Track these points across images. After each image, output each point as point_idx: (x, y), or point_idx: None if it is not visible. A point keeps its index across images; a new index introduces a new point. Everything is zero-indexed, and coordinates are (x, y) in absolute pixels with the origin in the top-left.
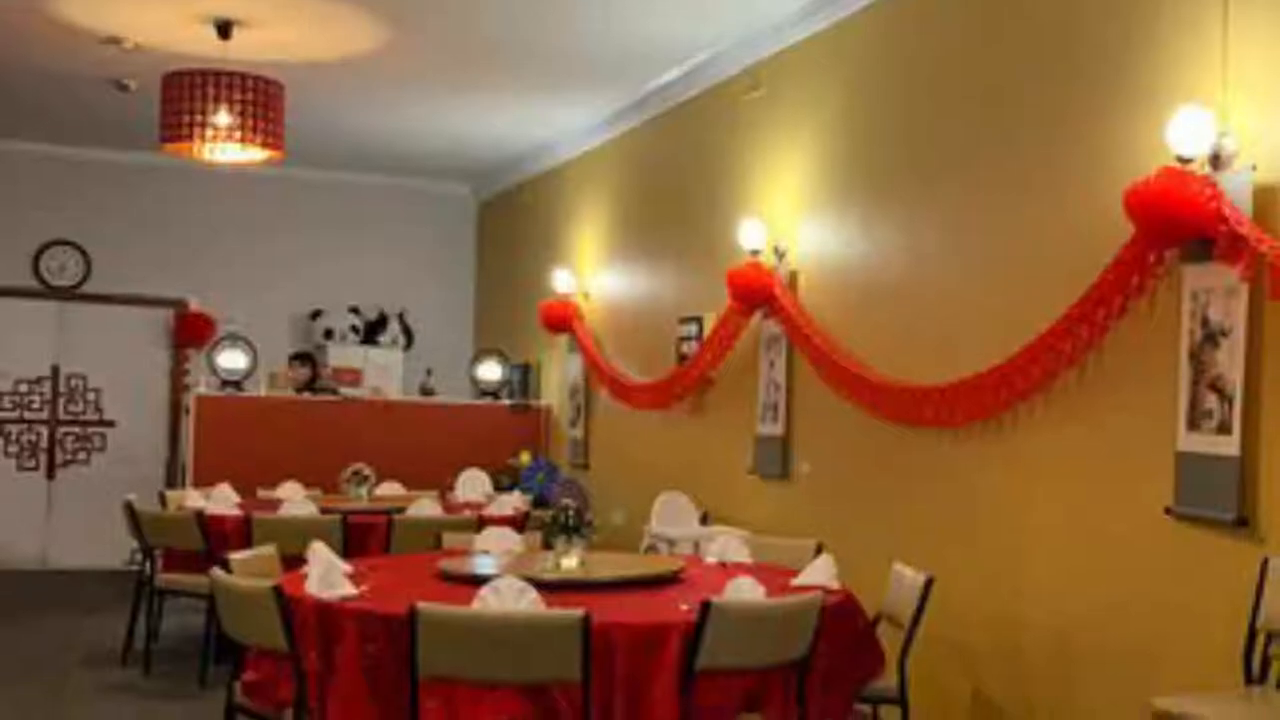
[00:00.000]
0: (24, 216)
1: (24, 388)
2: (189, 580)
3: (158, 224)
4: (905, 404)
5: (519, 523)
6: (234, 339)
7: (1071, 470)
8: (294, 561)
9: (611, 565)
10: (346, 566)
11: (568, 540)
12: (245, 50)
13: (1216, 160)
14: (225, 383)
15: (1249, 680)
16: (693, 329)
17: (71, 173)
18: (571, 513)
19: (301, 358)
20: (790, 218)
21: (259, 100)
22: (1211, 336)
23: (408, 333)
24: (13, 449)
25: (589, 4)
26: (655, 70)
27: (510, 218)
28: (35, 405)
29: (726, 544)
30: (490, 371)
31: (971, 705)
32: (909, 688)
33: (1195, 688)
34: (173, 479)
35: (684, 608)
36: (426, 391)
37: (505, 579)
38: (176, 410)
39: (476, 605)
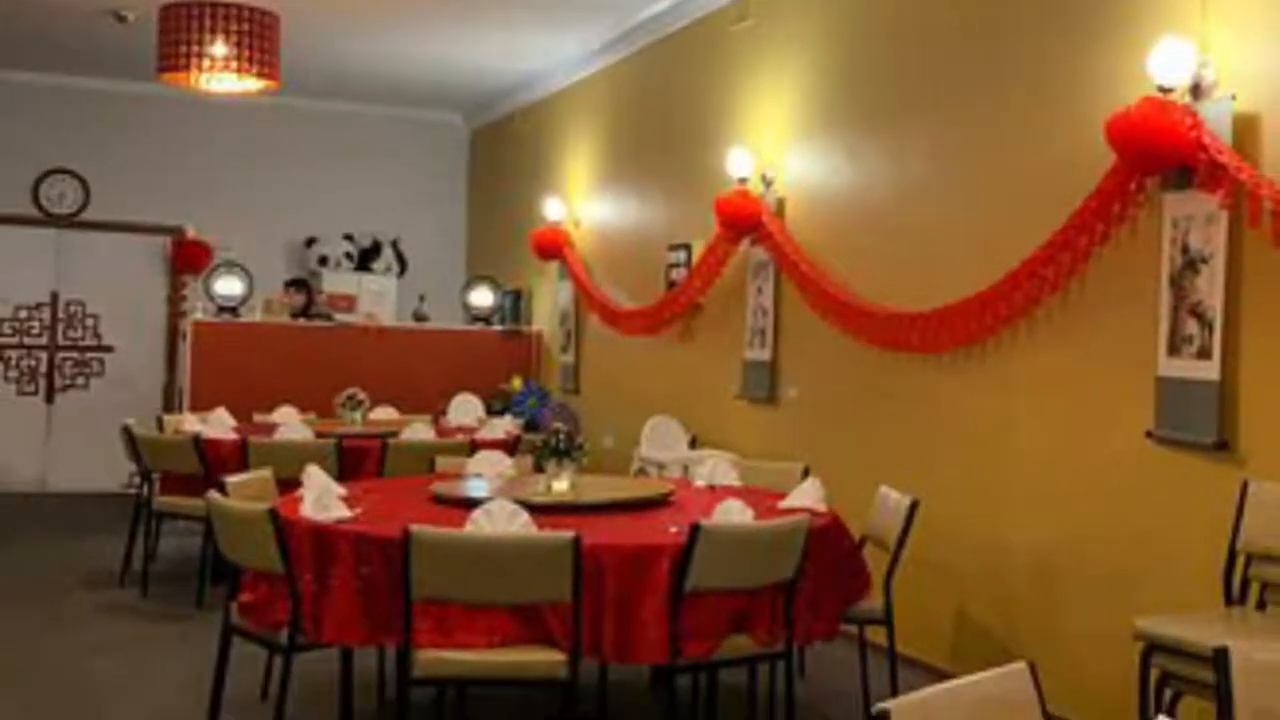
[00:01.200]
0: (23, 145)
1: (24, 314)
2: (186, 503)
3: (155, 153)
4: (891, 329)
5: (511, 446)
6: (230, 266)
7: (1054, 395)
8: (289, 485)
9: (602, 488)
10: (341, 489)
11: (559, 463)
12: None
13: (1196, 90)
14: (222, 309)
15: (1229, 601)
16: (681, 256)
17: (70, 102)
18: (562, 436)
19: (297, 284)
20: (778, 146)
21: (255, 31)
22: (1192, 263)
23: (401, 260)
24: (12, 374)
25: None
26: (645, 0)
27: (502, 147)
28: (35, 331)
29: (715, 467)
30: (482, 298)
31: (956, 625)
32: (894, 609)
33: (1176, 608)
34: (170, 403)
35: (673, 530)
36: (419, 317)
37: (497, 502)
38: (174, 336)
39: (469, 527)
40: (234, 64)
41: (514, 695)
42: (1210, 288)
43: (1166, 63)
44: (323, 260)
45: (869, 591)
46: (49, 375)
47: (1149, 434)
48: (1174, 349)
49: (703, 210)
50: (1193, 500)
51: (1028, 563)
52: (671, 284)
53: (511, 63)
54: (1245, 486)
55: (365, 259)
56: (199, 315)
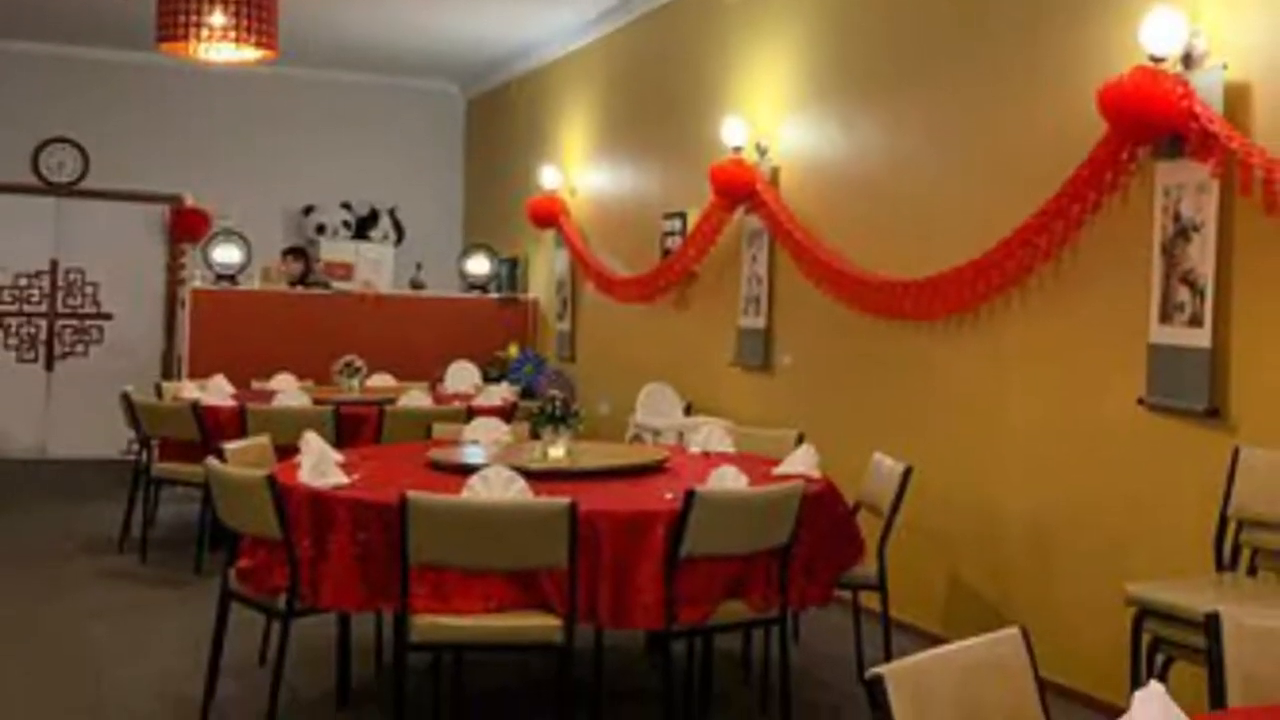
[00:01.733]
0: (23, 114)
1: (23, 281)
2: (185, 469)
3: (154, 121)
4: (884, 297)
5: (507, 413)
6: (228, 234)
7: (1046, 362)
8: (287, 451)
9: (598, 455)
10: (339, 456)
11: (555, 430)
12: None
13: (1188, 59)
14: (220, 277)
15: (1220, 566)
16: (677, 224)
17: (70, 71)
18: (558, 403)
19: (295, 252)
20: (773, 116)
21: (253, 1)
22: (1183, 231)
23: (398, 228)
24: (12, 341)
25: None
26: None
27: (498, 116)
28: (34, 299)
29: (710, 434)
30: (479, 266)
31: (949, 591)
32: (888, 574)
33: (1167, 574)
34: (169, 371)
35: (668, 496)
36: (417, 285)
37: (494, 468)
38: (172, 303)
39: (466, 494)
40: (232, 33)
41: (510, 660)
42: (1202, 255)
43: (1158, 32)
44: (320, 229)
45: (863, 557)
46: (49, 343)
47: (1141, 401)
48: (1166, 316)
49: (698, 179)
50: (1184, 467)
51: (1020, 529)
52: (667, 252)
53: (508, 32)
54: (1236, 453)
55: (363, 227)
56: (197, 283)
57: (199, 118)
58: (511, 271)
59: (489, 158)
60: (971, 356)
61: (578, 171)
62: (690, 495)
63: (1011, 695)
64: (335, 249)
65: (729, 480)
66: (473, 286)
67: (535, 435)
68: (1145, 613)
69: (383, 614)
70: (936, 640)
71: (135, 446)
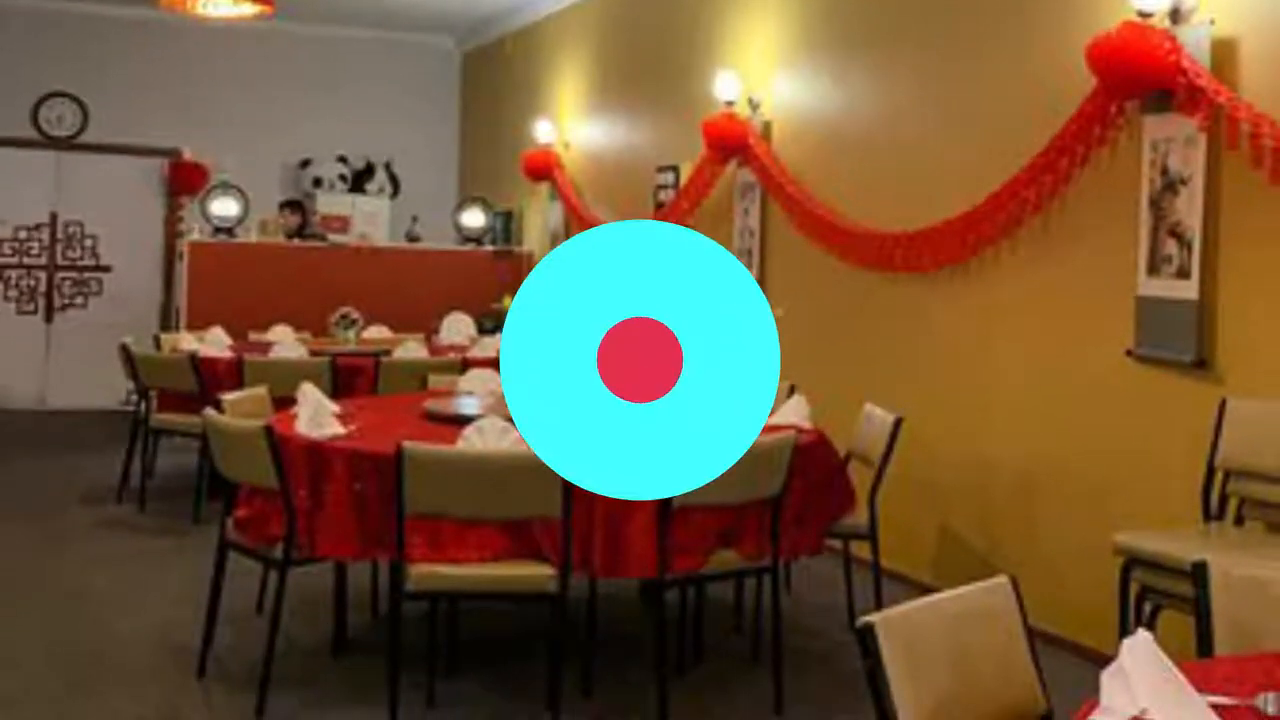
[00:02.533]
0: (23, 69)
1: (23, 234)
2: (183, 420)
3: (153, 76)
4: (875, 250)
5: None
6: (226, 187)
7: (1036, 314)
8: (284, 402)
9: None
10: (335, 407)
11: None
12: None
13: (1176, 14)
14: (217, 229)
15: (1207, 517)
16: (669, 178)
17: (70, 26)
18: None
19: (291, 205)
20: (765, 70)
21: None
22: (1171, 185)
23: (394, 181)
24: (12, 293)
25: None
26: None
27: (493, 70)
28: (34, 251)
29: None
30: (474, 218)
31: (939, 540)
32: (879, 524)
33: (1155, 524)
34: (167, 322)
35: None
36: (412, 238)
37: (488, 419)
38: (171, 256)
39: (461, 444)
40: None
41: (505, 609)
42: (1189, 208)
43: None
44: (317, 182)
45: (854, 507)
46: (48, 295)
47: (1129, 352)
48: (1153, 269)
49: (690, 133)
50: (1172, 417)
51: (1010, 479)
52: (659, 205)
53: None
54: (1224, 404)
55: (359, 180)
56: (195, 236)
57: (197, 72)
58: (506, 224)
59: (484, 112)
60: (962, 308)
61: (572, 125)
62: None
63: (1001, 643)
64: (332, 202)
65: None
66: (468, 239)
67: None
68: (1133, 562)
69: (379, 563)
70: (926, 589)
71: (134, 397)
